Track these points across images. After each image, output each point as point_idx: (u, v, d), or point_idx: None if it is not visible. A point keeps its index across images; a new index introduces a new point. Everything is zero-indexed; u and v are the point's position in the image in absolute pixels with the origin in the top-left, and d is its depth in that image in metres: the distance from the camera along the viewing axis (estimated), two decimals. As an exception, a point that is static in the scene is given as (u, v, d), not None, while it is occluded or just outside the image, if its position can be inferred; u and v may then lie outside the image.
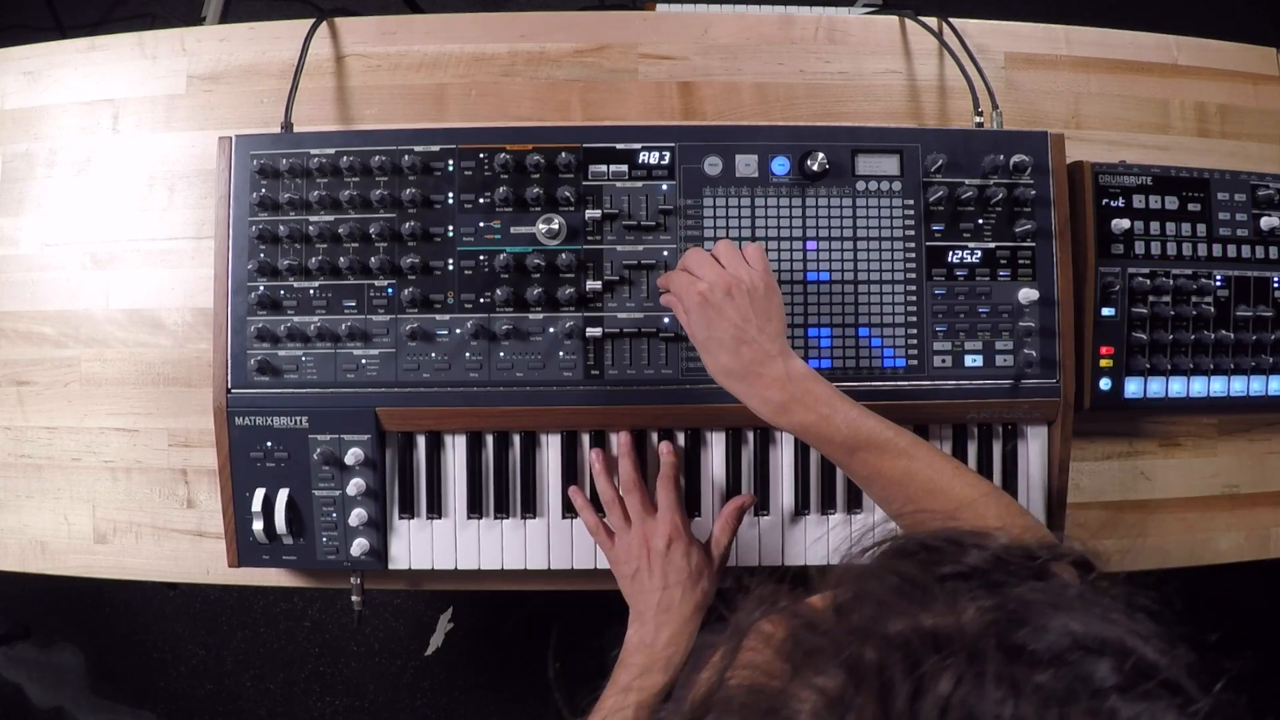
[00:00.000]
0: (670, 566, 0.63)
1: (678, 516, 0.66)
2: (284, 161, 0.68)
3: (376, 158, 0.68)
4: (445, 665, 1.55)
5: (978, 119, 0.75)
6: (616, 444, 0.70)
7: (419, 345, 0.69)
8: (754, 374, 0.58)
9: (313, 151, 0.69)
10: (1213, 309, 0.74)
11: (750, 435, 0.71)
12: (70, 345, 0.77)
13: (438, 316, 0.69)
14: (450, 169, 0.69)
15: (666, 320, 0.69)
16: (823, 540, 0.71)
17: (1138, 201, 0.73)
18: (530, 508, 0.71)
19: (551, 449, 0.71)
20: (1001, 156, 0.69)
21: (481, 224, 0.69)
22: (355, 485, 0.68)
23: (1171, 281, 0.73)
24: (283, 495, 0.68)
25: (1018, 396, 0.70)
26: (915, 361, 0.70)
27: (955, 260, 0.70)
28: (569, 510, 0.71)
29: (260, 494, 0.68)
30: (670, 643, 0.61)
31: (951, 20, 0.79)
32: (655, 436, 0.71)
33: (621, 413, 0.69)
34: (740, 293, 0.59)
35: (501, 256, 0.68)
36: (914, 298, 0.70)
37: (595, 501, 0.70)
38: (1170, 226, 0.74)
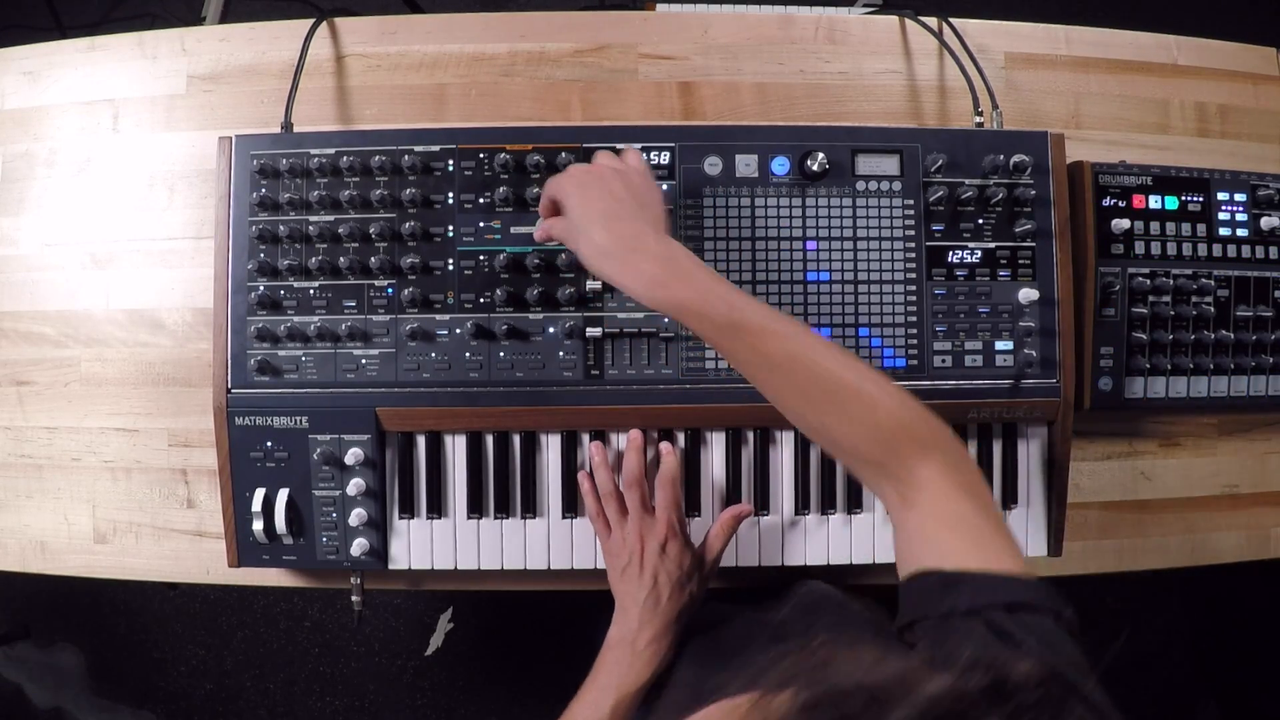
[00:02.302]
0: (662, 567, 0.63)
1: (675, 517, 0.66)
2: (284, 161, 0.68)
3: (376, 158, 0.68)
4: (445, 665, 1.56)
5: (978, 119, 0.75)
6: (623, 440, 0.70)
7: (419, 345, 0.69)
8: (629, 249, 0.54)
9: (313, 151, 0.69)
10: (1213, 309, 0.74)
11: (750, 435, 0.71)
12: (70, 345, 0.77)
13: (438, 316, 0.69)
14: (450, 169, 0.69)
15: (666, 320, 0.69)
16: (823, 540, 0.71)
17: (1138, 201, 0.74)
18: (530, 508, 0.71)
19: (551, 449, 0.71)
20: (1001, 156, 0.69)
21: (481, 224, 0.69)
22: (355, 485, 0.68)
23: (1171, 281, 0.73)
24: (283, 495, 0.68)
25: (1018, 396, 0.70)
26: (915, 361, 0.70)
27: (955, 260, 0.70)
28: (569, 510, 0.71)
29: (260, 494, 0.68)
30: (652, 642, 0.61)
31: (951, 20, 0.79)
32: (655, 436, 0.71)
33: (621, 413, 0.69)
34: (614, 177, 0.57)
35: (501, 256, 0.68)
36: (914, 298, 0.70)
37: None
38: (1170, 226, 0.74)
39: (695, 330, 0.55)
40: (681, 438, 0.71)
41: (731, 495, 0.71)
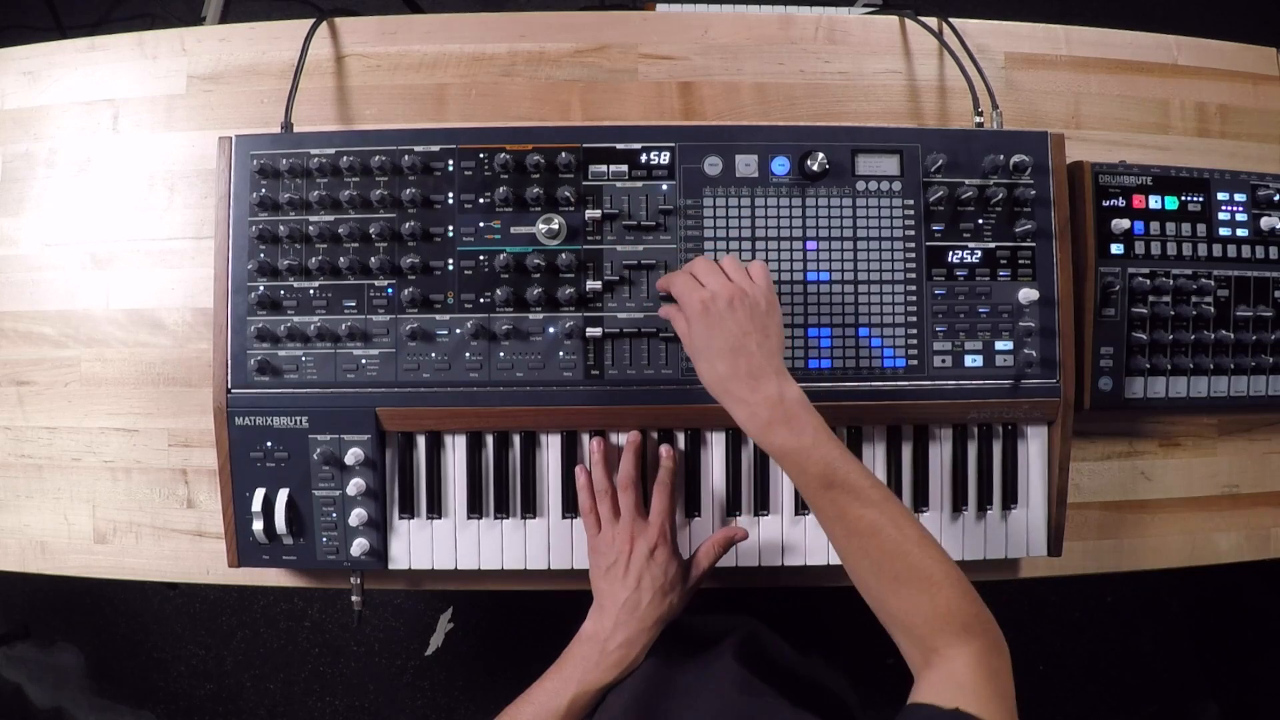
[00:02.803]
0: (648, 572, 0.63)
1: (668, 524, 0.66)
2: (284, 161, 0.68)
3: (376, 158, 0.68)
4: (445, 665, 1.56)
5: (978, 119, 0.75)
6: (625, 439, 0.70)
7: (419, 345, 0.69)
8: (746, 387, 0.57)
9: (313, 151, 0.69)
10: (1213, 309, 0.74)
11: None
12: (70, 345, 0.77)
13: (438, 316, 0.69)
14: (450, 169, 0.69)
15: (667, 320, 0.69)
16: (823, 540, 0.71)
17: (1138, 201, 0.74)
18: (530, 508, 0.71)
19: (551, 449, 0.71)
20: (1001, 156, 0.69)
21: (481, 224, 0.69)
22: (355, 485, 0.68)
23: (1171, 281, 0.73)
24: (283, 495, 0.68)
25: (1018, 396, 0.70)
26: (915, 361, 0.70)
27: (955, 260, 0.70)
28: (569, 510, 0.71)
29: (260, 494, 0.68)
30: (624, 645, 0.61)
31: (951, 20, 0.79)
32: (655, 436, 0.71)
33: (621, 413, 0.69)
34: (743, 305, 0.58)
35: (501, 256, 0.68)
36: (914, 298, 0.70)
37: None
38: (1170, 226, 0.74)
39: (790, 476, 0.58)
40: (681, 438, 0.71)
41: (732, 496, 0.71)
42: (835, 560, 0.71)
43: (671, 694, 0.60)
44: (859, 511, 0.54)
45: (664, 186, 0.70)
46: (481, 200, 0.69)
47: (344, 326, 0.68)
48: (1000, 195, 0.69)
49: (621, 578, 0.63)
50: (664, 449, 0.69)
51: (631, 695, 0.60)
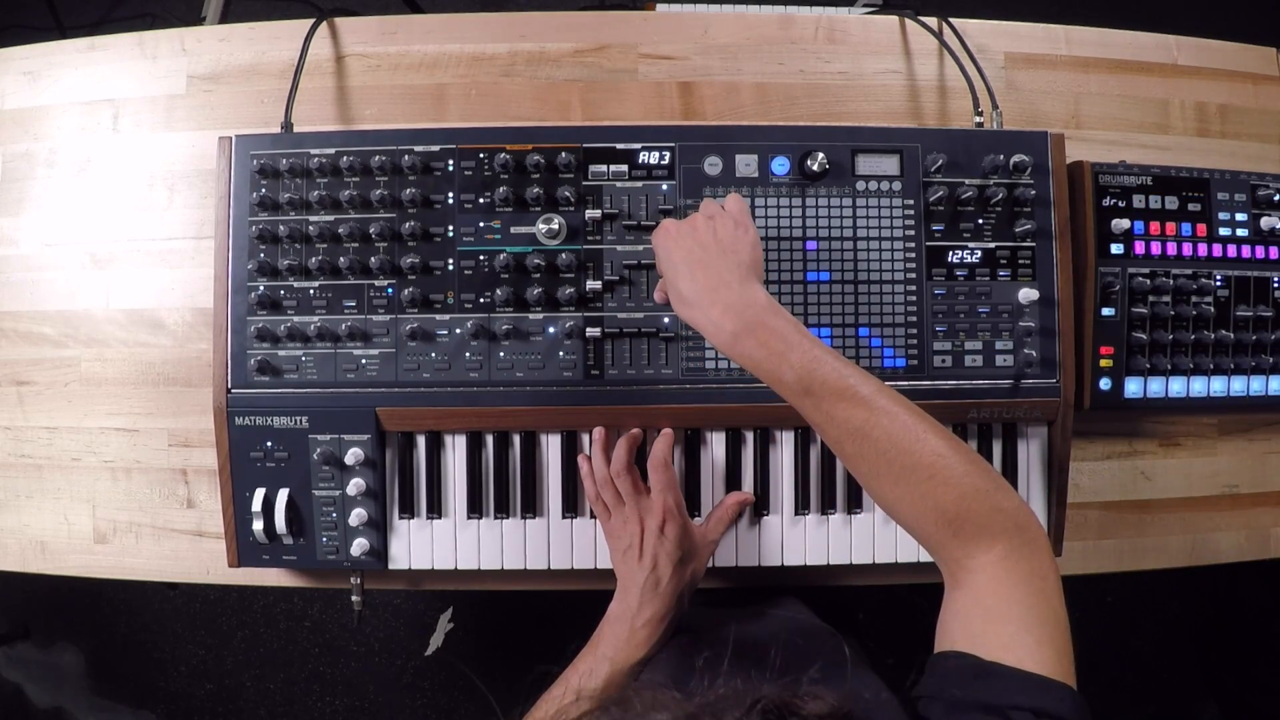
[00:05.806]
0: (662, 549, 0.63)
1: (672, 499, 0.65)
2: (284, 161, 0.68)
3: (376, 158, 0.68)
4: (445, 665, 1.56)
5: (978, 119, 0.75)
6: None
7: (419, 345, 0.69)
8: (707, 300, 0.54)
9: (313, 151, 0.69)
10: (1213, 309, 0.74)
11: (750, 435, 0.71)
12: (70, 345, 0.77)
13: (438, 316, 0.69)
14: (450, 169, 0.69)
15: (666, 320, 0.69)
16: (823, 540, 0.71)
17: (1138, 201, 0.74)
18: (530, 508, 0.71)
19: (551, 449, 0.71)
20: (1001, 156, 0.69)
21: (481, 224, 0.69)
22: (355, 485, 0.68)
23: (1171, 281, 0.73)
24: (283, 495, 0.68)
25: (1018, 396, 0.70)
26: (915, 361, 0.70)
27: (955, 260, 0.70)
28: (569, 510, 0.71)
29: (260, 494, 0.68)
30: (650, 621, 0.62)
31: (951, 20, 0.79)
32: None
33: (621, 413, 0.69)
34: (704, 225, 0.57)
35: (501, 256, 0.68)
36: (914, 298, 0.70)
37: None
38: (1170, 226, 0.74)
39: (769, 385, 0.53)
40: (682, 438, 0.71)
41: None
42: (836, 560, 0.71)
43: (718, 645, 0.60)
44: (847, 413, 0.50)
45: (664, 186, 0.70)
46: (481, 200, 0.69)
47: (344, 326, 0.68)
48: (1000, 195, 0.69)
49: (637, 560, 0.64)
50: (665, 431, 0.69)
51: (678, 649, 0.61)
